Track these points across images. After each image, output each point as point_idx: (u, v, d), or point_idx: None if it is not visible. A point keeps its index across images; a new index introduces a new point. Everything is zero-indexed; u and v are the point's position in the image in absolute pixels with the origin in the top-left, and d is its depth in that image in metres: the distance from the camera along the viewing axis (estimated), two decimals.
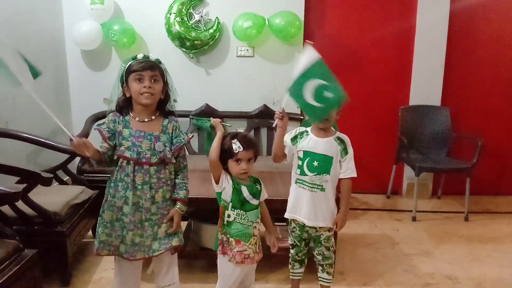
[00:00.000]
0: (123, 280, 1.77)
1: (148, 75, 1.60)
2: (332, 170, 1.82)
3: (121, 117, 1.66)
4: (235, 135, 1.63)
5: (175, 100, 1.74)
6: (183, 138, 1.70)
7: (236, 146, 1.59)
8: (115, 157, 1.64)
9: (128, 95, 1.65)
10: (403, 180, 3.73)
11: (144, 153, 1.62)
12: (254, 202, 1.66)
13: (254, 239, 1.67)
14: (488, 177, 3.72)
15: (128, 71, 1.62)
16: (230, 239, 1.64)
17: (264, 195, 1.73)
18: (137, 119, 1.66)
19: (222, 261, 1.68)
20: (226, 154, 1.62)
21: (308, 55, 1.71)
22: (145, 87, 1.59)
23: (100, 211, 1.70)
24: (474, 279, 2.36)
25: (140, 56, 1.64)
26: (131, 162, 1.62)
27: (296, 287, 2.10)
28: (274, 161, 1.92)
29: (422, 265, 2.51)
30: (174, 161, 1.69)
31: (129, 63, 1.63)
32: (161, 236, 1.69)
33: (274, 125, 1.82)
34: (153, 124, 1.67)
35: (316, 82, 1.67)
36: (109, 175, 1.70)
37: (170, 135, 1.68)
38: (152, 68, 1.62)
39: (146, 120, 1.66)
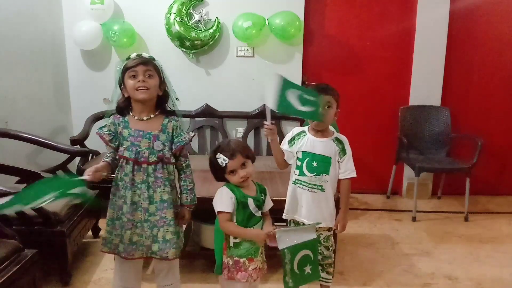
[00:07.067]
0: (123, 277, 1.77)
1: (141, 70, 1.60)
2: (332, 170, 1.82)
3: (121, 118, 1.67)
4: (217, 148, 1.58)
5: (177, 99, 1.74)
6: (185, 138, 1.70)
7: (221, 159, 1.53)
8: (117, 157, 1.66)
9: (126, 95, 1.65)
10: (403, 180, 3.73)
11: (143, 152, 1.63)
12: (259, 214, 1.61)
13: (260, 250, 1.64)
14: (488, 177, 3.73)
15: (123, 71, 1.63)
16: (242, 259, 1.57)
17: (269, 204, 1.67)
18: (136, 117, 1.66)
19: (228, 285, 1.63)
20: (219, 171, 1.57)
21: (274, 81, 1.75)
22: (139, 81, 1.59)
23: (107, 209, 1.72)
24: (474, 279, 2.36)
25: (133, 55, 1.65)
26: (130, 161, 1.63)
27: None
28: (280, 169, 1.90)
29: (422, 265, 2.51)
30: (174, 160, 1.69)
31: (124, 63, 1.64)
32: (160, 239, 1.68)
33: (269, 140, 1.84)
34: (152, 122, 1.67)
35: (294, 92, 1.72)
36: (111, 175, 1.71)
37: (170, 135, 1.68)
38: (145, 63, 1.62)
39: (145, 118, 1.66)
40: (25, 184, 2.03)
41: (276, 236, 1.56)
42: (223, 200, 1.55)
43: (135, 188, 1.64)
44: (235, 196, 1.55)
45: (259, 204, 1.61)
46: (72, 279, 2.21)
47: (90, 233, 2.64)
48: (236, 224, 1.56)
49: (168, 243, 1.68)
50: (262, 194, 1.64)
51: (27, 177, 2.05)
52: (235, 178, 1.56)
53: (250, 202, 1.57)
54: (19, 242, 1.76)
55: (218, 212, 1.56)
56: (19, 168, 2.09)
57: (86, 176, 1.52)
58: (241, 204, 1.56)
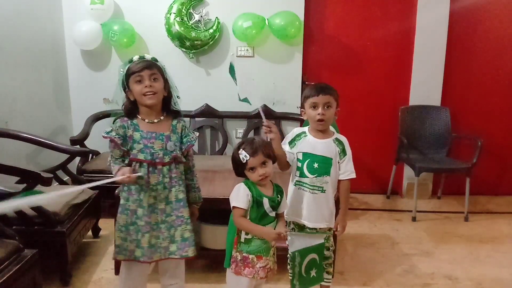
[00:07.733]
0: (131, 282, 1.75)
1: (147, 74, 1.59)
2: (332, 171, 1.80)
3: (129, 121, 1.65)
4: (241, 144, 1.60)
5: (178, 97, 1.74)
6: (192, 137, 1.73)
7: (243, 155, 1.56)
8: (127, 161, 1.64)
9: (132, 99, 1.64)
10: (403, 180, 3.72)
11: (157, 153, 1.63)
12: (273, 214, 1.62)
13: (272, 250, 1.65)
14: (488, 177, 3.73)
15: (128, 75, 1.62)
16: (250, 256, 1.59)
17: (284, 206, 1.68)
18: (146, 120, 1.66)
19: (233, 279, 1.63)
20: (240, 166, 1.59)
21: None
22: (146, 86, 1.59)
23: (117, 215, 1.70)
24: (474, 279, 2.36)
25: (135, 57, 1.64)
26: (145, 163, 1.62)
27: None
28: (281, 170, 1.89)
29: (422, 265, 2.51)
30: (184, 160, 1.71)
31: (127, 66, 1.63)
32: (178, 239, 1.68)
33: (268, 139, 1.83)
34: (162, 124, 1.68)
35: None
36: (109, 175, 1.67)
37: (180, 135, 1.70)
38: (150, 67, 1.61)
39: (155, 121, 1.67)
40: (25, 184, 2.02)
41: (288, 239, 1.57)
42: (239, 196, 1.57)
43: (150, 190, 1.63)
44: (251, 193, 1.57)
45: (274, 205, 1.61)
46: (72, 279, 2.21)
47: (90, 233, 2.64)
48: (249, 220, 1.57)
49: (187, 241, 1.69)
50: (279, 196, 1.64)
51: (27, 177, 2.04)
52: (254, 175, 1.57)
53: (265, 202, 1.58)
54: (19, 242, 1.76)
55: (233, 207, 1.58)
56: (19, 168, 2.08)
57: (124, 177, 1.53)
58: (256, 202, 1.57)
